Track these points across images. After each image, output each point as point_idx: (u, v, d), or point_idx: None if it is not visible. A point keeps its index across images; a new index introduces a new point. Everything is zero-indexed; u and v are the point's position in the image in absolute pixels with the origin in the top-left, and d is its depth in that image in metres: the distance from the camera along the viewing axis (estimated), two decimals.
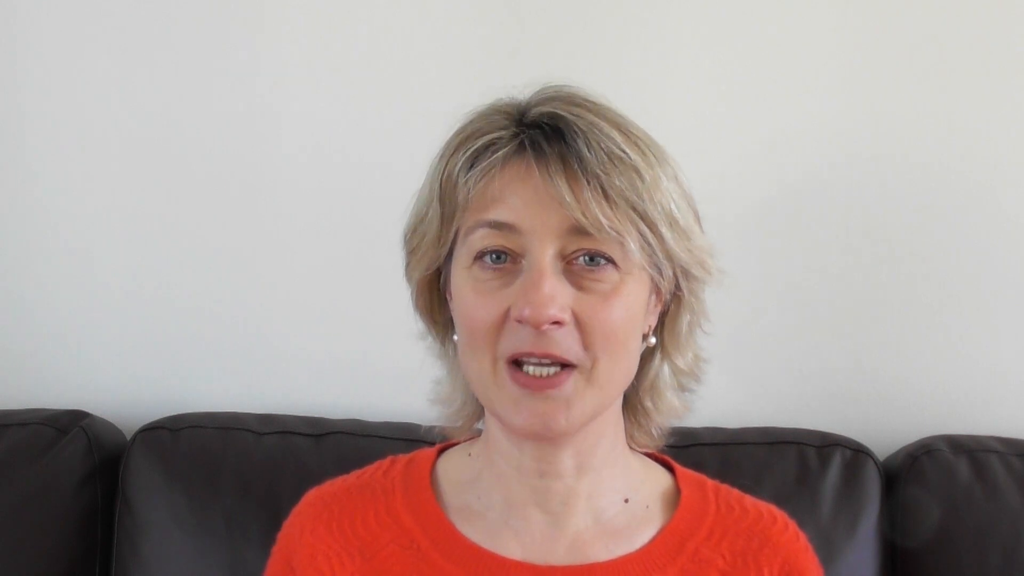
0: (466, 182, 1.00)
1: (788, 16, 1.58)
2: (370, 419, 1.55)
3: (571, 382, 0.99)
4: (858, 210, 1.59)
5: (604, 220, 0.97)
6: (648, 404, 1.10)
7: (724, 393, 1.58)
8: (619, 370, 1.02)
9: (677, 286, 1.05)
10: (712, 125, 1.59)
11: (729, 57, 1.58)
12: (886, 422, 1.58)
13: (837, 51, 1.58)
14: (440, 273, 1.08)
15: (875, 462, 1.48)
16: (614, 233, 0.98)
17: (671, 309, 1.08)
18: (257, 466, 1.48)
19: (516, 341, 0.99)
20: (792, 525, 1.13)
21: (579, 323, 0.99)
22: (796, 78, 1.58)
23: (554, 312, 0.97)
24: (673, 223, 1.01)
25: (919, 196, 1.58)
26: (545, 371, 0.99)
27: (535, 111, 1.02)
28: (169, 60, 1.62)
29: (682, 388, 1.12)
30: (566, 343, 0.98)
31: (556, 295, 0.98)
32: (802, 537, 1.13)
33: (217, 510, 1.46)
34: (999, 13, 1.56)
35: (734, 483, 1.17)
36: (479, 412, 1.12)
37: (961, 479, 1.46)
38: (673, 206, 1.01)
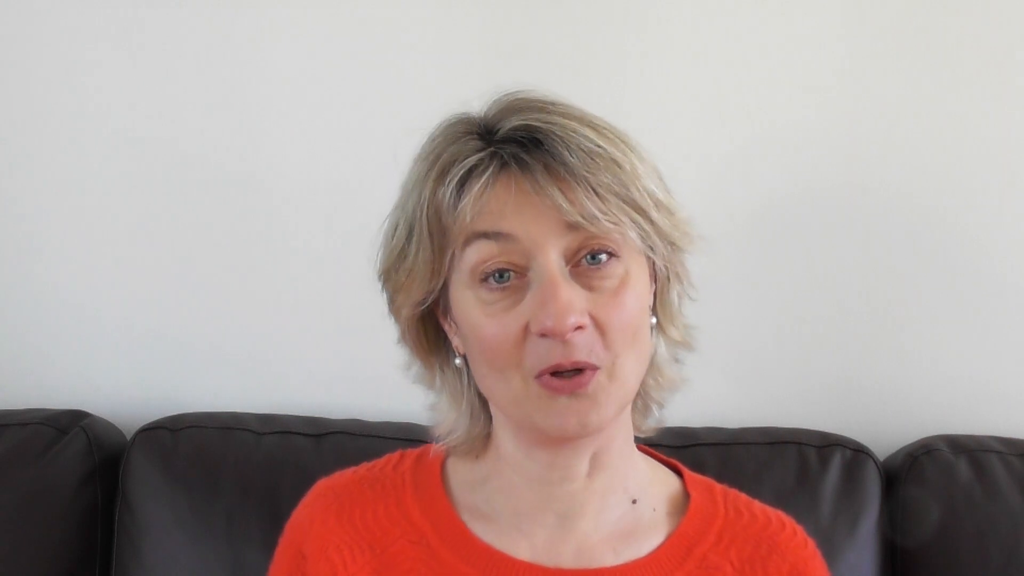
0: (460, 210, 0.99)
1: (788, 16, 1.57)
2: (370, 419, 1.55)
3: (595, 380, 0.99)
4: (858, 210, 1.59)
5: (600, 215, 0.98)
6: (650, 382, 1.10)
7: (724, 393, 1.59)
8: (638, 361, 1.03)
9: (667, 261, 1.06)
10: (711, 126, 1.58)
11: (728, 58, 1.58)
12: (886, 422, 1.58)
13: (836, 51, 1.57)
14: (436, 303, 1.06)
15: (875, 462, 1.48)
16: (612, 225, 0.98)
17: (661, 285, 1.07)
18: (257, 466, 1.48)
19: (543, 356, 0.98)
20: (800, 531, 1.13)
21: (597, 324, 0.99)
22: (794, 79, 1.58)
23: (575, 318, 0.97)
24: (658, 204, 1.02)
25: (919, 196, 1.58)
26: (570, 373, 0.99)
27: (505, 125, 1.01)
28: (173, 62, 1.61)
29: (675, 359, 1.11)
30: (588, 346, 0.98)
31: (573, 301, 0.98)
32: (810, 544, 1.12)
33: (217, 510, 1.46)
34: (999, 13, 1.56)
35: (734, 483, 1.17)
36: (488, 433, 1.11)
37: (961, 479, 1.46)
38: (653, 186, 1.02)
